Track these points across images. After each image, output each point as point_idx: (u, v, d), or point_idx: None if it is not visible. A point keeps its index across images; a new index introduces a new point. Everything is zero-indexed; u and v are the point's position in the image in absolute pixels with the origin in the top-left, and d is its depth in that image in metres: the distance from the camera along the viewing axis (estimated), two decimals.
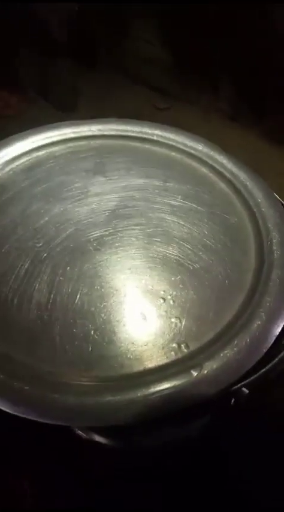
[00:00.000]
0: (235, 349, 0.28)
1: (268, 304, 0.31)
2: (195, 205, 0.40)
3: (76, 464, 0.43)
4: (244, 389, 0.28)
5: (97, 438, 0.44)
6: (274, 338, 0.30)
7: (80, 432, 0.44)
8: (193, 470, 0.44)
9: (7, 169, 0.42)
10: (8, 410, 0.25)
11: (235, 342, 0.29)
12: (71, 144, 0.46)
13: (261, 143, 1.03)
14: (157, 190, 0.42)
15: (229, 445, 0.45)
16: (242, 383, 0.28)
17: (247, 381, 0.28)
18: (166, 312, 0.32)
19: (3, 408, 0.25)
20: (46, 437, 0.43)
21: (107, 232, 0.37)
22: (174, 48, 1.20)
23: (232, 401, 0.36)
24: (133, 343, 0.30)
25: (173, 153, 0.46)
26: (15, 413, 0.26)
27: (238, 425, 0.42)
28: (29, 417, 0.25)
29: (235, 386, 0.28)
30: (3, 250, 0.35)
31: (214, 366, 0.28)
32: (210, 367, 0.28)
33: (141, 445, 0.45)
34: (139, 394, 0.26)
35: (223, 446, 0.46)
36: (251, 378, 0.28)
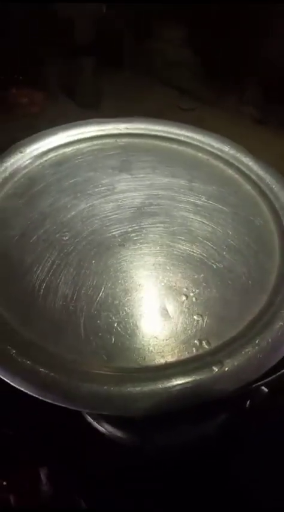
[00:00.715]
0: (256, 347, 0.29)
1: None
2: (219, 206, 0.41)
3: (80, 464, 0.44)
4: (263, 388, 0.29)
5: (112, 430, 0.45)
6: None
7: (96, 424, 0.45)
8: (198, 470, 0.44)
9: (37, 163, 0.44)
10: (34, 395, 0.26)
11: (257, 341, 0.29)
12: (97, 142, 0.47)
13: None
14: (182, 190, 0.42)
15: (242, 445, 0.45)
16: (262, 381, 0.28)
17: (267, 379, 0.28)
18: (188, 308, 0.32)
19: (30, 392, 0.26)
20: (53, 437, 0.44)
21: (132, 229, 0.38)
22: (201, 51, 1.20)
23: (248, 402, 0.36)
24: (155, 337, 0.30)
25: (199, 154, 0.47)
26: (41, 398, 0.26)
27: (254, 426, 0.42)
28: (53, 402, 0.26)
29: (255, 385, 0.28)
30: (31, 241, 0.36)
31: (235, 363, 0.28)
32: (230, 364, 0.28)
33: (156, 442, 0.46)
34: (159, 386, 0.27)
35: (236, 446, 0.45)
36: (272, 377, 0.28)
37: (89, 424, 0.46)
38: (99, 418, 0.45)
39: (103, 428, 0.46)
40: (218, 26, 1.08)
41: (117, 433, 0.44)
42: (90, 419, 0.46)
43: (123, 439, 0.45)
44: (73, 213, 0.39)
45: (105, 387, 0.27)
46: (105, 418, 0.43)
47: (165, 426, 0.44)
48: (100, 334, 0.30)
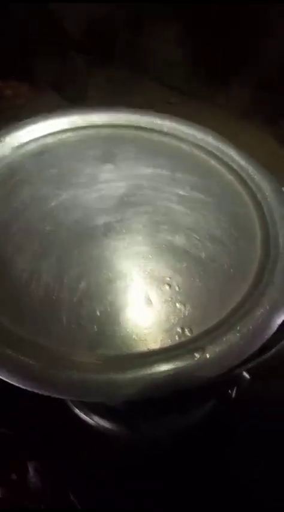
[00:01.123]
0: (237, 334, 0.29)
1: (272, 293, 0.32)
2: (202, 196, 0.41)
3: (79, 464, 0.44)
4: (245, 374, 0.29)
5: (102, 423, 0.45)
6: (276, 326, 0.30)
7: (83, 416, 0.45)
8: (193, 469, 0.44)
9: (17, 153, 0.43)
10: (14, 383, 0.26)
11: (238, 327, 0.29)
12: (80, 132, 0.47)
13: (273, 143, 1.03)
14: (165, 180, 0.42)
15: (230, 435, 0.45)
16: (244, 367, 0.28)
17: (249, 365, 0.28)
18: (171, 297, 0.32)
19: (9, 381, 0.26)
20: (53, 436, 0.44)
21: (115, 219, 0.38)
22: (191, 47, 1.20)
23: (234, 389, 0.37)
24: (138, 325, 0.30)
25: (182, 145, 0.47)
26: (21, 387, 0.26)
27: (239, 414, 0.42)
28: (35, 390, 0.26)
29: (237, 371, 0.28)
30: (11, 232, 0.36)
31: (217, 350, 0.28)
32: (212, 350, 0.28)
33: (144, 432, 0.46)
34: (142, 373, 0.27)
35: (224, 437, 0.46)
36: (253, 363, 0.28)
37: (76, 415, 0.46)
38: (86, 409, 0.45)
39: (91, 419, 0.46)
40: (210, 24, 1.08)
41: (105, 424, 0.45)
42: (77, 410, 0.46)
43: (110, 430, 0.45)
44: (55, 203, 0.39)
45: (89, 375, 0.27)
46: (92, 408, 0.43)
47: (152, 416, 0.44)
48: (82, 323, 0.30)
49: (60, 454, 0.42)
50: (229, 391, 0.32)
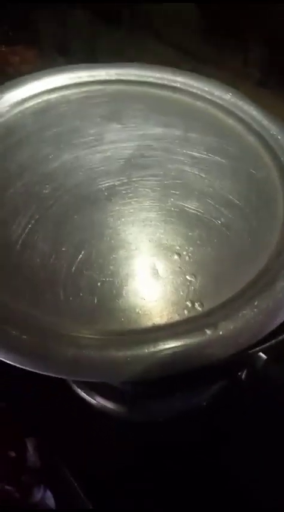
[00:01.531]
0: (255, 310, 0.26)
1: None
2: (218, 158, 0.37)
3: (78, 443, 0.42)
4: (262, 354, 0.26)
5: (103, 402, 0.43)
6: None
7: (85, 396, 0.43)
8: (198, 470, 0.42)
9: (16, 111, 0.39)
10: (3, 359, 0.24)
11: (256, 302, 0.26)
12: (86, 88, 0.43)
13: None
14: (177, 141, 0.38)
15: (237, 421, 0.43)
16: (261, 347, 0.25)
17: (266, 345, 0.25)
18: (180, 268, 0.29)
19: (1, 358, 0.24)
20: (52, 414, 0.42)
21: (120, 182, 0.34)
22: (204, 8, 1.11)
23: (245, 371, 0.34)
24: (143, 298, 0.27)
25: (197, 102, 0.42)
26: (13, 363, 0.24)
27: (249, 397, 0.39)
28: (25, 367, 0.23)
29: (253, 350, 0.25)
30: (7, 195, 0.32)
31: (231, 327, 0.25)
32: (225, 327, 0.25)
33: (146, 412, 0.44)
34: (145, 351, 0.24)
35: (230, 422, 0.44)
36: (271, 342, 0.25)
37: (76, 393, 0.44)
38: (87, 388, 0.43)
39: (92, 398, 0.44)
40: None
41: (106, 403, 0.43)
42: (77, 388, 0.44)
43: (112, 410, 0.43)
44: (55, 164, 0.35)
45: (85, 351, 0.24)
46: (92, 387, 0.41)
47: (155, 396, 0.42)
48: (81, 294, 0.27)
49: (59, 432, 0.41)
50: (240, 373, 0.29)
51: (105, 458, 0.42)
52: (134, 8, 1.23)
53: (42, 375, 0.24)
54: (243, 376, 0.38)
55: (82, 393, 0.42)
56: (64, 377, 0.24)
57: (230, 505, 0.38)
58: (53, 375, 0.24)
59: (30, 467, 0.37)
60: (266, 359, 0.26)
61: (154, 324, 0.26)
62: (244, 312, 0.26)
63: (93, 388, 0.41)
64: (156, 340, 0.24)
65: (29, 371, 0.24)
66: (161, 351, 0.24)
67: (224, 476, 0.39)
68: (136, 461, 0.42)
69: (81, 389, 0.42)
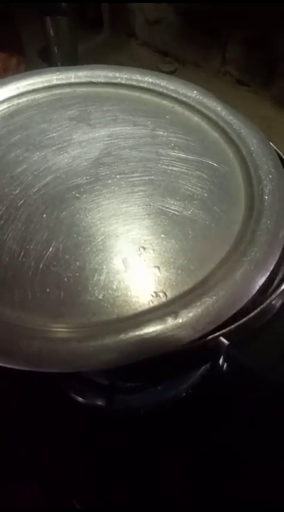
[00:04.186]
0: (214, 297, 0.27)
1: (253, 253, 0.29)
2: (183, 155, 0.38)
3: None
4: (223, 339, 0.27)
5: (83, 397, 0.44)
6: (257, 287, 0.28)
7: (69, 392, 0.44)
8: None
9: None
10: None
11: (215, 290, 0.27)
12: (55, 91, 0.44)
13: (270, 108, 0.98)
14: (144, 139, 0.39)
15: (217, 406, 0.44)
16: (221, 332, 0.26)
17: (225, 330, 0.26)
18: (145, 261, 0.30)
19: None
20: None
21: (88, 181, 0.35)
22: (182, 10, 1.13)
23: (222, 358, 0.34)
24: (108, 291, 0.28)
25: (164, 101, 0.43)
26: None
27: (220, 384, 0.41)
28: None
29: (213, 335, 0.26)
30: None
31: (191, 314, 0.26)
32: (186, 314, 0.26)
33: (129, 406, 0.45)
34: (107, 341, 0.25)
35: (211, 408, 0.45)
36: (230, 327, 0.26)
37: (61, 390, 0.45)
38: (65, 383, 0.44)
39: (74, 394, 0.45)
40: None
41: (85, 398, 0.43)
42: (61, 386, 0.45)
43: (91, 404, 0.44)
44: (24, 166, 0.36)
45: (50, 344, 0.25)
46: (70, 382, 0.42)
47: (134, 389, 0.43)
48: (48, 289, 0.28)
49: (42, 429, 0.41)
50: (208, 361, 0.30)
51: (87, 454, 0.43)
52: (114, 11, 1.24)
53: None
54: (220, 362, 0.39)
55: (63, 389, 0.43)
56: (30, 369, 0.24)
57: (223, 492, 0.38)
58: (19, 368, 0.25)
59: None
60: (228, 344, 0.27)
61: (118, 315, 0.27)
62: (204, 299, 0.27)
63: (71, 383, 0.42)
64: (118, 330, 0.25)
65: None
66: (123, 340, 0.25)
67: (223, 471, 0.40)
68: (120, 456, 0.43)
69: (62, 385, 0.43)
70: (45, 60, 1.21)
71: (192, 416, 0.45)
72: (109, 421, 0.45)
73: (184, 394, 0.45)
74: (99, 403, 0.44)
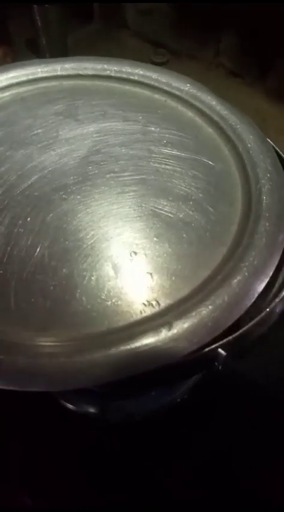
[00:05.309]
0: (210, 306, 0.25)
1: (251, 258, 0.28)
2: (177, 152, 0.36)
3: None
4: (220, 350, 0.25)
5: (78, 407, 0.42)
6: (256, 295, 0.26)
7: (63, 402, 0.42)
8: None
9: None
10: None
11: (212, 298, 0.25)
12: (40, 85, 0.41)
13: (264, 100, 0.96)
14: (135, 136, 0.37)
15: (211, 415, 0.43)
16: (218, 344, 0.25)
17: (223, 341, 0.25)
18: (137, 267, 0.28)
19: None
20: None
21: (76, 181, 0.33)
22: (176, 1, 1.10)
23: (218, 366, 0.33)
24: (97, 299, 0.27)
25: (156, 95, 0.41)
26: None
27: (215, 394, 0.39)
28: None
29: (210, 347, 0.24)
30: None
31: (185, 325, 0.24)
32: (180, 325, 0.24)
33: (125, 413, 0.43)
34: (98, 356, 0.23)
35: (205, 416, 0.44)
36: (228, 338, 0.25)
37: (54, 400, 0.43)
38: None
39: (69, 404, 0.43)
40: None
41: (81, 407, 0.42)
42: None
43: (87, 412, 0.43)
44: (7, 165, 0.34)
45: (36, 360, 0.23)
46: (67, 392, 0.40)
47: (129, 396, 0.41)
48: (33, 300, 0.26)
49: (37, 438, 0.40)
50: (204, 370, 0.29)
51: (86, 460, 0.41)
52: (106, 2, 1.21)
53: None
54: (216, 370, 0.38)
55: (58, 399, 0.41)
56: (14, 389, 0.23)
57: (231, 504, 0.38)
58: (4, 387, 0.23)
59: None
60: (225, 355, 0.26)
61: (109, 327, 0.25)
62: (200, 309, 0.25)
63: (67, 392, 0.41)
64: (109, 344, 0.24)
65: None
66: (114, 355, 0.23)
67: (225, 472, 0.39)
68: (117, 461, 0.42)
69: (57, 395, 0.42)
70: (35, 51, 1.17)
71: (187, 421, 0.44)
72: (105, 427, 0.43)
73: (179, 399, 0.43)
74: (93, 410, 0.43)
